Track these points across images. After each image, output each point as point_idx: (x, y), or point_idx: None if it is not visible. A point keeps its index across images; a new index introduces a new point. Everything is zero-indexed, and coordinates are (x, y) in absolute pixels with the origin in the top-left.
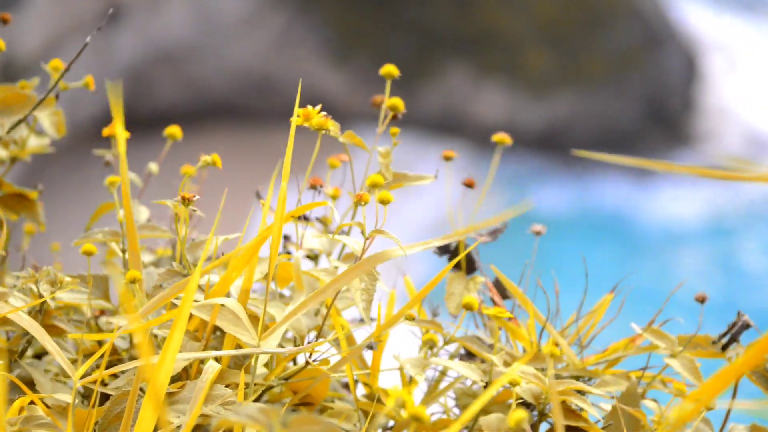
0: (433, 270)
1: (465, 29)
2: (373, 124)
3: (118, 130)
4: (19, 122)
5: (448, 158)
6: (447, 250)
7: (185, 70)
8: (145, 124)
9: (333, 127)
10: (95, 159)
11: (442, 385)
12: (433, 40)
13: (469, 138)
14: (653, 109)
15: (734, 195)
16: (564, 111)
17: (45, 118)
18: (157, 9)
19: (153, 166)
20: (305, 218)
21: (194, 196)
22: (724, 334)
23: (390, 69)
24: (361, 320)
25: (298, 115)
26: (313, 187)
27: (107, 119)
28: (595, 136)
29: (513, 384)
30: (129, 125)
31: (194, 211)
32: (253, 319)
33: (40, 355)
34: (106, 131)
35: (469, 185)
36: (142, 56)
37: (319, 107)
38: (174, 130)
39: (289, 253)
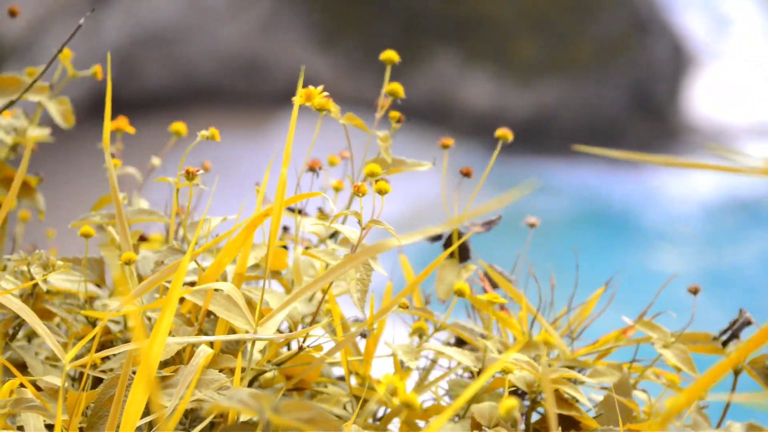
0: (423, 256)
1: (452, 15)
2: (359, 109)
3: (106, 119)
4: (11, 103)
5: (445, 146)
6: (440, 238)
7: (172, 53)
8: (131, 106)
9: (333, 108)
10: (80, 143)
11: (433, 375)
12: (420, 26)
13: (456, 125)
14: (640, 97)
15: (728, 187)
16: (551, 99)
17: (52, 106)
18: None
19: (155, 161)
20: (300, 212)
21: (198, 170)
22: (726, 331)
23: (390, 54)
24: (356, 320)
25: (299, 95)
26: (312, 169)
27: (93, 102)
28: (582, 124)
29: (505, 372)
30: (116, 107)
31: (197, 185)
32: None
33: (30, 337)
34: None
35: (466, 174)
36: (129, 38)
37: (321, 88)
38: (179, 127)
39: (285, 246)
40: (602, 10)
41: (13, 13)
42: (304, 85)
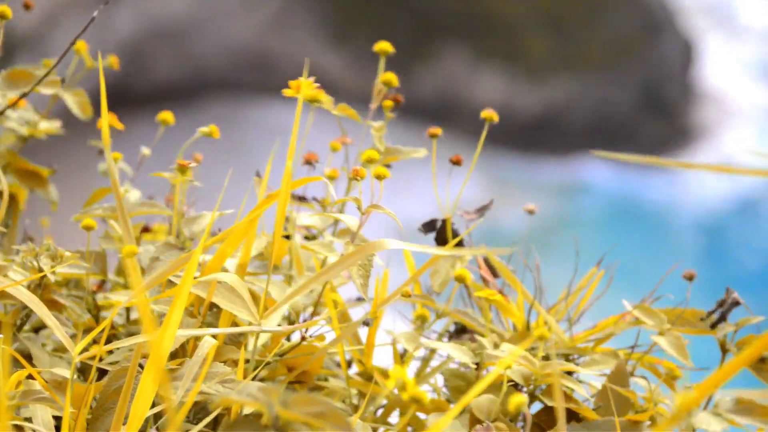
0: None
1: (463, 12)
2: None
3: (104, 116)
4: (24, 95)
5: (433, 135)
6: (432, 228)
7: (183, 46)
8: (142, 99)
9: (326, 99)
10: (88, 136)
11: (432, 364)
12: (431, 23)
13: (466, 122)
14: (651, 95)
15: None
16: (561, 96)
17: (69, 98)
18: None
19: (145, 150)
20: (303, 198)
21: (190, 163)
22: (714, 311)
23: (384, 46)
24: (359, 299)
25: (290, 87)
26: (308, 162)
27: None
28: (592, 122)
29: (504, 366)
30: (126, 101)
31: (191, 181)
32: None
33: (37, 329)
34: (100, 123)
35: (456, 162)
36: (139, 31)
37: (312, 79)
38: (166, 116)
39: (287, 235)
40: (614, 10)
41: (27, 6)
42: (315, 81)
